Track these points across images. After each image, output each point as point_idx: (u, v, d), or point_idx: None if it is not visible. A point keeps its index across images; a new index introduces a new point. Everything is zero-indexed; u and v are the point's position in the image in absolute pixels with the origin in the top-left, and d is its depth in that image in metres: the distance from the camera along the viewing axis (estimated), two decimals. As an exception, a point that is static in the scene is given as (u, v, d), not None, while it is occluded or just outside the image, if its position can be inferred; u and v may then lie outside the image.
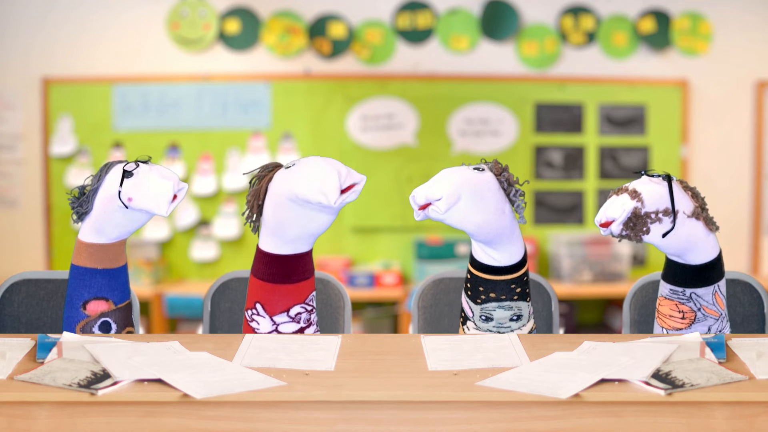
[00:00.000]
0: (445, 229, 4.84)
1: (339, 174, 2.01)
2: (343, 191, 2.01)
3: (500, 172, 2.13)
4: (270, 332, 2.16)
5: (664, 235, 2.01)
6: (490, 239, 2.11)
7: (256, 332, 2.17)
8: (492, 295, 2.16)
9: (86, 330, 2.14)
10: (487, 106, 4.98)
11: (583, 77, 5.01)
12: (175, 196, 2.08)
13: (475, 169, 2.11)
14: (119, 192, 2.06)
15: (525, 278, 2.19)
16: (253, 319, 2.17)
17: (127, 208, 2.07)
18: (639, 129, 5.04)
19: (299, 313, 2.16)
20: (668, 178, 2.03)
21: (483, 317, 2.17)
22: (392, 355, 1.94)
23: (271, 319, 2.16)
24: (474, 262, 2.19)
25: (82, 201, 2.12)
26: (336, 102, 4.94)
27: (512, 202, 2.14)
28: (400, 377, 1.77)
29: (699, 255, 2.07)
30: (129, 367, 1.76)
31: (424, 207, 2.05)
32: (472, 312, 2.19)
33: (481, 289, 2.17)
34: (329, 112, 4.95)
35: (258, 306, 2.17)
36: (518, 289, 2.17)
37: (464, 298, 2.22)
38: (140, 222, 2.14)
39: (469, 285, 2.20)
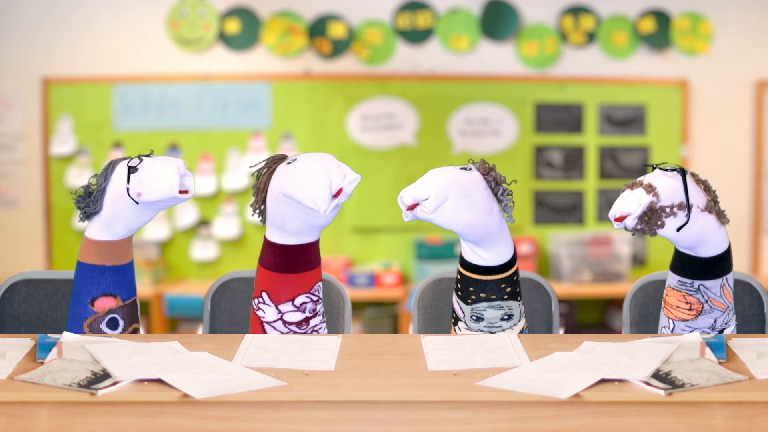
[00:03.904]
0: (445, 229, 4.84)
1: (330, 182, 2.01)
2: (335, 195, 2.01)
3: (487, 171, 2.14)
4: (275, 321, 2.18)
5: (678, 229, 2.01)
6: (479, 239, 2.12)
7: (262, 320, 2.19)
8: (482, 295, 2.16)
9: (94, 326, 2.15)
10: (487, 106, 4.98)
11: (583, 77, 5.01)
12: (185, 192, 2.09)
13: (462, 168, 2.12)
14: (128, 189, 2.07)
15: (515, 277, 2.19)
16: (259, 308, 2.19)
17: (137, 203, 2.08)
18: (639, 129, 5.04)
19: (304, 303, 2.17)
20: (682, 172, 2.03)
21: (474, 317, 2.18)
22: (392, 355, 1.94)
23: (277, 308, 2.17)
24: (463, 263, 2.19)
25: (90, 201, 2.13)
26: (336, 102, 4.94)
27: (500, 202, 2.14)
28: (400, 377, 1.77)
29: (710, 248, 2.07)
30: (129, 367, 1.76)
31: (412, 207, 2.06)
32: (463, 312, 2.19)
33: (471, 289, 2.17)
34: (329, 112, 4.95)
35: (264, 294, 2.18)
36: (508, 289, 2.18)
37: (455, 299, 2.23)
38: (149, 216, 2.16)
39: (459, 285, 2.21)
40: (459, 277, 2.21)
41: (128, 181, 2.08)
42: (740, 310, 2.42)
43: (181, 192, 2.07)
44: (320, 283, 2.22)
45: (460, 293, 2.20)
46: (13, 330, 2.41)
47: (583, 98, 5.02)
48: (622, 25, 5.01)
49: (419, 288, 2.59)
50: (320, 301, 2.22)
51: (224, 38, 4.92)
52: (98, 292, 2.16)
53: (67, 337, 1.92)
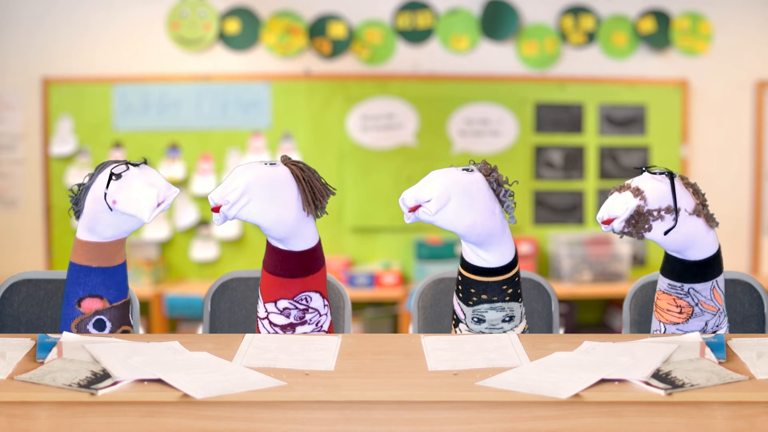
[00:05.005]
0: (446, 230, 4.84)
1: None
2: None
3: (489, 172, 2.13)
4: (264, 318, 2.19)
5: (665, 233, 2.01)
6: (481, 240, 2.12)
7: (259, 316, 2.20)
8: (484, 296, 2.16)
9: (81, 327, 2.14)
10: (487, 106, 4.98)
11: (583, 77, 5.01)
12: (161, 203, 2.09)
13: (464, 170, 2.12)
14: (105, 194, 2.06)
15: (516, 279, 2.19)
16: (258, 302, 2.22)
17: (111, 210, 2.07)
18: (639, 129, 5.04)
19: (287, 308, 2.18)
20: (670, 175, 2.03)
21: (475, 319, 2.17)
22: (392, 355, 1.94)
23: (264, 306, 2.18)
24: (465, 264, 2.19)
25: (77, 199, 2.13)
26: (336, 102, 4.94)
27: (502, 203, 2.14)
28: (400, 377, 1.77)
29: (699, 251, 2.08)
30: (129, 367, 1.76)
31: (414, 209, 2.06)
32: (464, 314, 2.19)
33: (472, 290, 2.17)
34: (329, 112, 4.94)
35: (259, 290, 2.22)
36: (510, 290, 2.17)
37: (456, 301, 2.22)
38: (133, 223, 2.13)
39: (460, 287, 2.20)
40: (460, 278, 2.20)
41: (108, 186, 2.07)
42: (740, 310, 2.42)
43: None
44: (309, 294, 2.21)
45: (461, 295, 2.20)
46: (13, 330, 2.41)
47: (583, 98, 5.02)
48: (622, 25, 5.00)
49: (419, 288, 2.59)
50: (310, 311, 2.21)
51: (224, 38, 4.92)
52: (84, 293, 2.16)
53: (67, 337, 1.92)
